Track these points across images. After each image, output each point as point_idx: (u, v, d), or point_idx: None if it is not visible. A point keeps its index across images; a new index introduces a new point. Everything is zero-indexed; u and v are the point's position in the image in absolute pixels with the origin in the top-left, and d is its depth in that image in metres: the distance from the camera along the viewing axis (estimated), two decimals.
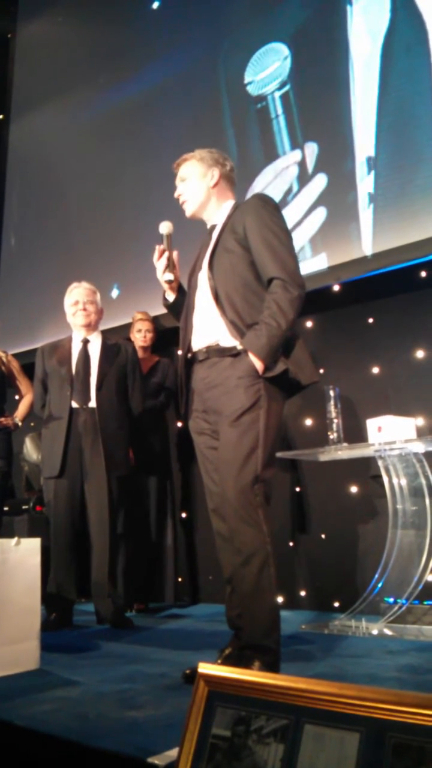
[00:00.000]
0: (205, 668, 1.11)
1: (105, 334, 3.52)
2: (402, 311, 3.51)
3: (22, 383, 3.71)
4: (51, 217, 5.54)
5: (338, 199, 3.73)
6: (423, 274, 3.41)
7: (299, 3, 4.10)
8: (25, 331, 5.14)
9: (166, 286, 2.27)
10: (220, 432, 2.01)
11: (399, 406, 3.21)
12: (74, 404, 3.25)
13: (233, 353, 2.03)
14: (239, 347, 2.01)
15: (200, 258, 2.24)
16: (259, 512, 1.90)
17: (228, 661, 1.94)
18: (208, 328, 2.09)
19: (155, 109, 4.85)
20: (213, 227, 2.24)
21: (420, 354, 3.43)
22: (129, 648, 2.62)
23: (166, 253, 2.21)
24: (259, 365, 1.96)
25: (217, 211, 2.24)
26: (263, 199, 2.15)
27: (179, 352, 2.22)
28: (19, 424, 3.59)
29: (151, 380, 3.85)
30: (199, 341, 2.12)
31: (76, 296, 3.39)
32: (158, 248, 2.22)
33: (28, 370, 3.65)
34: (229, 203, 2.25)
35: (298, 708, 0.99)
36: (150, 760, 1.24)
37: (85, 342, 3.38)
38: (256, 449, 1.93)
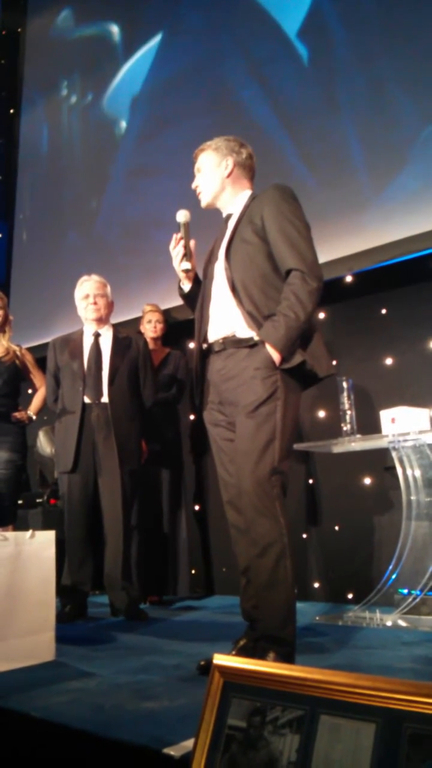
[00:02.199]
0: (220, 659, 1.11)
1: (116, 327, 3.52)
2: (415, 301, 3.48)
3: (36, 377, 3.70)
4: (62, 211, 5.55)
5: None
6: None
7: None
8: (38, 324, 5.15)
9: (182, 276, 2.25)
10: (236, 423, 2.01)
11: (413, 397, 3.19)
12: (86, 399, 3.25)
13: (250, 344, 2.02)
14: (256, 338, 1.99)
15: (216, 248, 2.22)
16: (276, 504, 1.89)
17: (243, 652, 1.94)
18: (225, 318, 2.08)
19: (166, 102, 4.83)
20: (229, 216, 2.22)
21: None
22: (143, 639, 2.63)
23: (182, 242, 2.19)
24: (276, 356, 1.95)
25: (233, 201, 2.22)
26: (282, 189, 2.12)
27: (191, 345, 2.21)
28: (33, 417, 3.59)
29: (162, 372, 3.84)
30: (215, 332, 2.11)
31: (87, 290, 3.39)
32: (175, 237, 2.19)
33: (42, 363, 3.65)
34: (246, 193, 2.22)
35: (314, 699, 0.99)
36: (166, 750, 1.24)
37: (97, 335, 3.37)
38: (273, 441, 1.92)
